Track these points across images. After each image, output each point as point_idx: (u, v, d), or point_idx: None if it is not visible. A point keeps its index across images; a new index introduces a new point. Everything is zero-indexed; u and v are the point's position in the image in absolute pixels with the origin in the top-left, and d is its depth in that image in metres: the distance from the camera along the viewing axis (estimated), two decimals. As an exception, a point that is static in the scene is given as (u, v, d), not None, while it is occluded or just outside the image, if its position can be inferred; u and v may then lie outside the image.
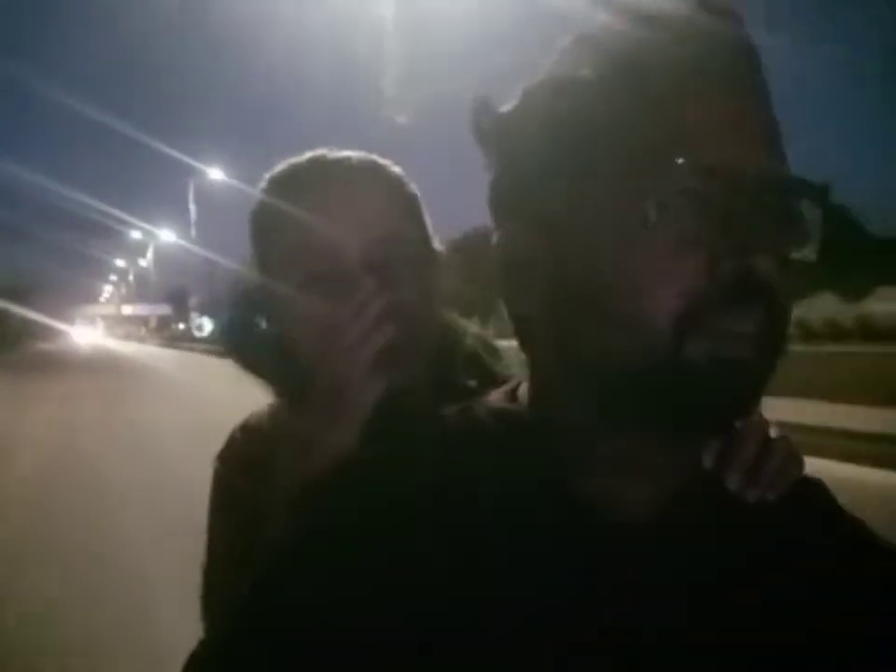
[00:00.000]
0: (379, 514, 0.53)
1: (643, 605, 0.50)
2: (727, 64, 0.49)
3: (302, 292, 0.79)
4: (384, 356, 0.73)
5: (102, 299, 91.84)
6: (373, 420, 0.72)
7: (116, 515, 5.31)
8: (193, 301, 54.65)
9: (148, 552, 4.32)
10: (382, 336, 0.74)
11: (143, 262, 66.82)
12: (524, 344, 0.56)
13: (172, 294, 68.89)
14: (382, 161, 0.86)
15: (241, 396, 1.08)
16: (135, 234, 57.80)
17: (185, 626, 0.78)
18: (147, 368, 21.67)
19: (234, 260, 0.96)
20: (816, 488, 0.60)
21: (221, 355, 0.93)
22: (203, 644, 0.61)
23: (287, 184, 0.84)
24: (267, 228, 0.84)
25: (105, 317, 76.53)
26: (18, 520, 5.29)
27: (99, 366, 23.73)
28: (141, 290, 76.05)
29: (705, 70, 0.49)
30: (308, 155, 0.87)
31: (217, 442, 0.95)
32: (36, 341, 47.31)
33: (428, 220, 0.87)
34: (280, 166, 0.85)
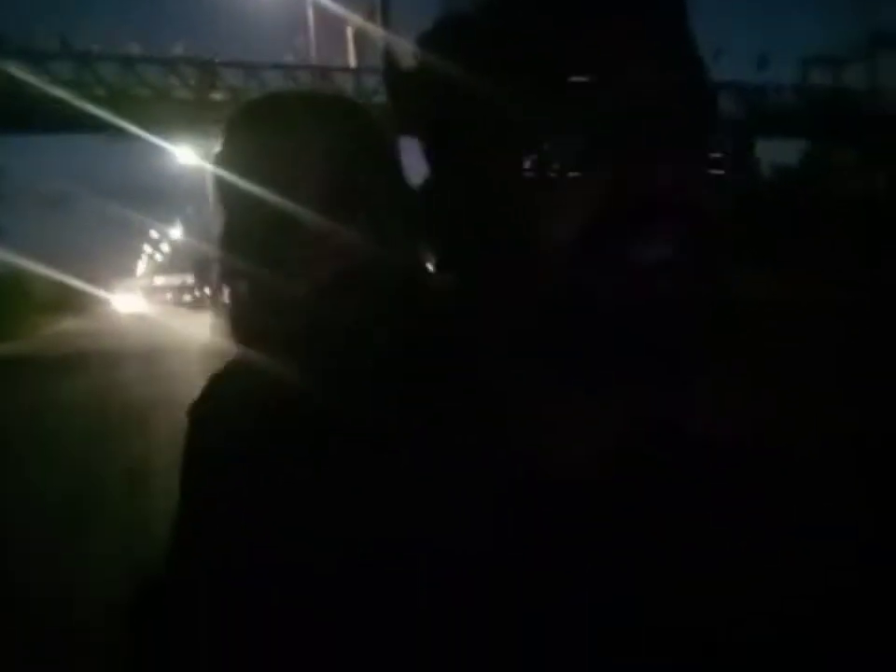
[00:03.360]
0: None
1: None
2: None
3: (257, 219, 0.78)
4: (329, 291, 0.75)
5: (138, 272, 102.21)
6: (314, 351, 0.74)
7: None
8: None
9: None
10: (321, 270, 0.75)
11: (165, 246, 77.98)
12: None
13: (196, 264, 78.58)
14: (348, 97, 0.91)
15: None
16: (153, 232, 70.27)
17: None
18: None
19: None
20: None
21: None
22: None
23: (243, 120, 0.85)
24: (224, 166, 0.83)
25: (141, 288, 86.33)
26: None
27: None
28: (171, 262, 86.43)
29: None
30: (271, 91, 0.92)
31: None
32: (90, 307, 56.67)
33: (399, 157, 0.85)
34: (244, 103, 0.89)
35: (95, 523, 4.55)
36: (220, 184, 0.85)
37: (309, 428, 0.54)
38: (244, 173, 0.81)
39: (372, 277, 0.78)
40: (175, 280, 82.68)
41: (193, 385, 0.93)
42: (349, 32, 24.53)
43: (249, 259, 0.81)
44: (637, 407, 0.48)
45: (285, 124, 0.81)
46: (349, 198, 0.79)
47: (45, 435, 7.32)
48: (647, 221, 0.43)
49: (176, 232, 65.21)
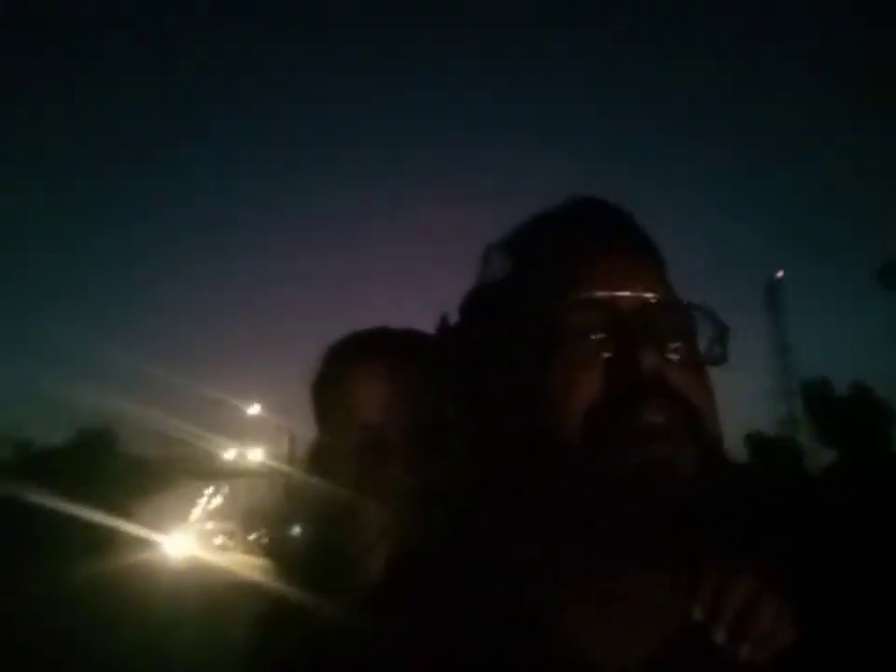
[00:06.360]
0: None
1: None
2: (607, 235, 0.58)
3: (352, 459, 0.90)
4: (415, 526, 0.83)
5: (192, 517, 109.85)
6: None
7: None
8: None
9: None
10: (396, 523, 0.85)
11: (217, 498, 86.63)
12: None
13: (242, 514, 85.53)
14: (428, 342, 0.97)
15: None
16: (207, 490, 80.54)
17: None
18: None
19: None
20: None
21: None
22: None
23: (335, 362, 1.00)
24: (321, 400, 0.99)
25: (194, 531, 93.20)
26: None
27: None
28: (221, 511, 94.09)
29: (588, 240, 0.58)
30: (360, 332, 1.02)
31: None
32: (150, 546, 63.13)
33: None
34: (340, 340, 1.02)
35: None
36: (316, 404, 1.00)
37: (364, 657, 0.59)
38: (336, 403, 0.95)
39: (442, 500, 0.85)
40: (223, 526, 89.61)
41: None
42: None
43: (332, 478, 0.90)
44: (659, 608, 0.48)
45: (375, 368, 0.94)
46: (429, 431, 0.89)
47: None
48: (638, 398, 0.49)
49: (226, 489, 73.92)
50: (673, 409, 0.48)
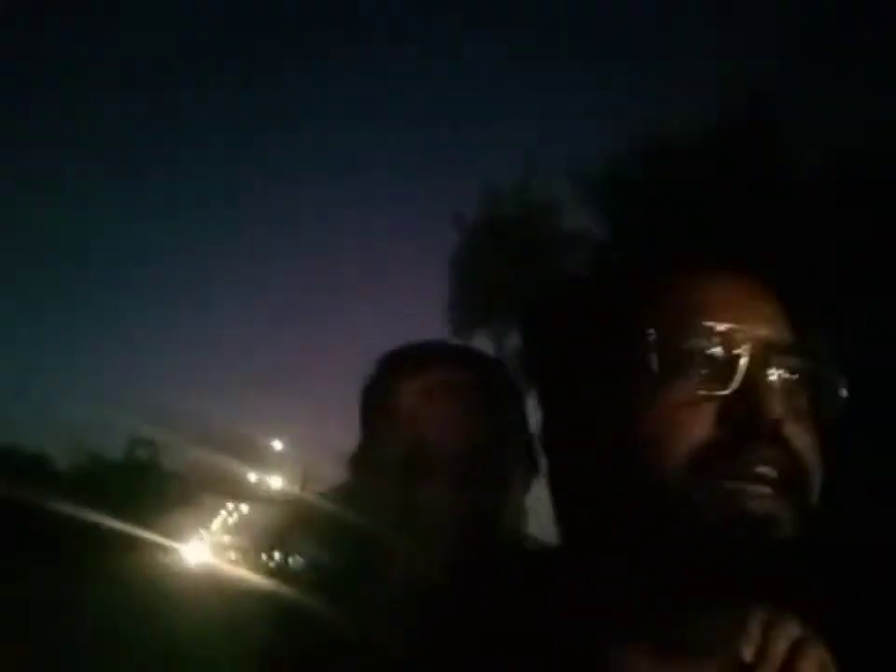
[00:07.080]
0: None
1: None
2: (733, 256, 0.55)
3: (397, 472, 0.87)
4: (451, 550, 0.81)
5: (213, 528, 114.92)
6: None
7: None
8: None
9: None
10: (454, 536, 0.81)
11: (235, 515, 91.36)
12: (559, 502, 0.58)
13: (258, 534, 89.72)
14: (489, 361, 0.95)
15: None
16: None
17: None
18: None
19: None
20: None
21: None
22: None
23: (388, 371, 0.95)
24: (370, 409, 0.95)
25: (212, 543, 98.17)
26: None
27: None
28: (238, 527, 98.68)
29: (710, 259, 0.55)
30: (417, 344, 0.97)
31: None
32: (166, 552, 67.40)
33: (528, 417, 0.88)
34: (395, 349, 0.97)
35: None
36: (365, 412, 0.96)
37: None
38: (385, 414, 0.91)
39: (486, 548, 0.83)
40: (238, 542, 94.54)
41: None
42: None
43: (372, 490, 0.90)
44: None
45: (429, 381, 0.89)
46: (482, 453, 0.86)
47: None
48: (750, 444, 0.47)
49: (246, 510, 78.51)
50: (784, 463, 0.48)
